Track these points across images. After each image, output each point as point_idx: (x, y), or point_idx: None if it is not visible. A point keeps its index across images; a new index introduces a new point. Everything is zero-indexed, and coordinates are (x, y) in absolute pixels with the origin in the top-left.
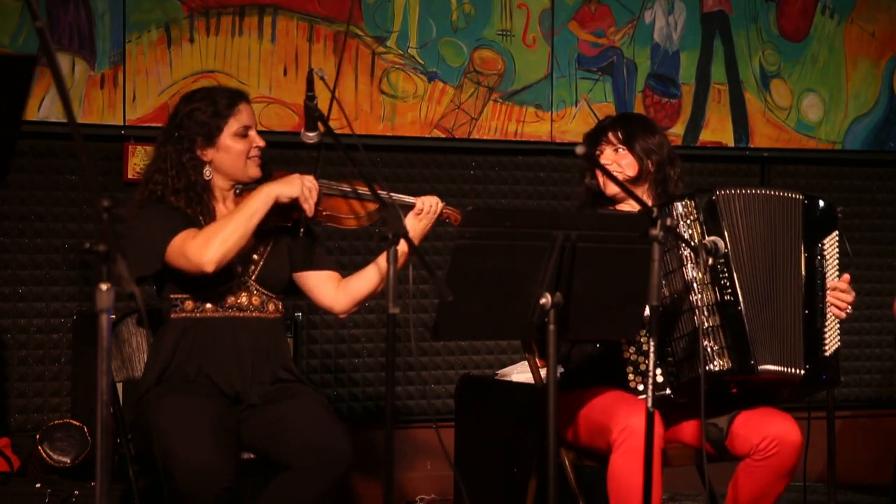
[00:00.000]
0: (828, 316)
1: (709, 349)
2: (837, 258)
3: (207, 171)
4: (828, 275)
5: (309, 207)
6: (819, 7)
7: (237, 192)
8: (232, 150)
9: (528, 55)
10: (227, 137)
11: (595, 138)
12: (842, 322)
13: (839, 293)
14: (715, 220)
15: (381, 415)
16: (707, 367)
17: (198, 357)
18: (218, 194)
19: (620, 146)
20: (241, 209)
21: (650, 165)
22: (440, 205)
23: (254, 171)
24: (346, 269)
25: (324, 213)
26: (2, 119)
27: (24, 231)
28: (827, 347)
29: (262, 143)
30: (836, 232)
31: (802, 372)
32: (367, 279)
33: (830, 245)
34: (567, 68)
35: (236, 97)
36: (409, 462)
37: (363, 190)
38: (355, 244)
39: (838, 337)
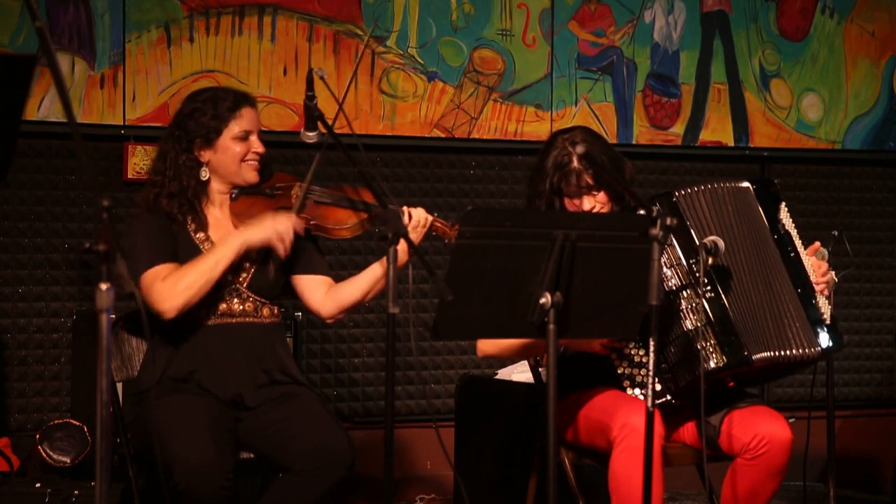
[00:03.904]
0: (815, 286)
1: (701, 349)
2: (794, 227)
3: (204, 173)
4: (798, 247)
5: (282, 250)
6: (819, 7)
7: (233, 196)
8: (228, 152)
9: (528, 55)
10: (226, 139)
11: (566, 181)
12: (842, 322)
13: (820, 277)
14: (680, 221)
15: (381, 415)
16: (704, 368)
17: (190, 363)
18: (214, 197)
19: (594, 189)
20: (207, 255)
21: (622, 190)
22: (429, 219)
23: (249, 175)
24: (347, 269)
25: (311, 223)
26: (2, 119)
27: (24, 231)
28: (825, 316)
29: (260, 150)
30: (783, 202)
31: (820, 349)
32: (356, 287)
33: (786, 217)
34: (567, 68)
35: (241, 100)
36: (409, 462)
37: (355, 197)
38: (355, 244)
39: (828, 302)
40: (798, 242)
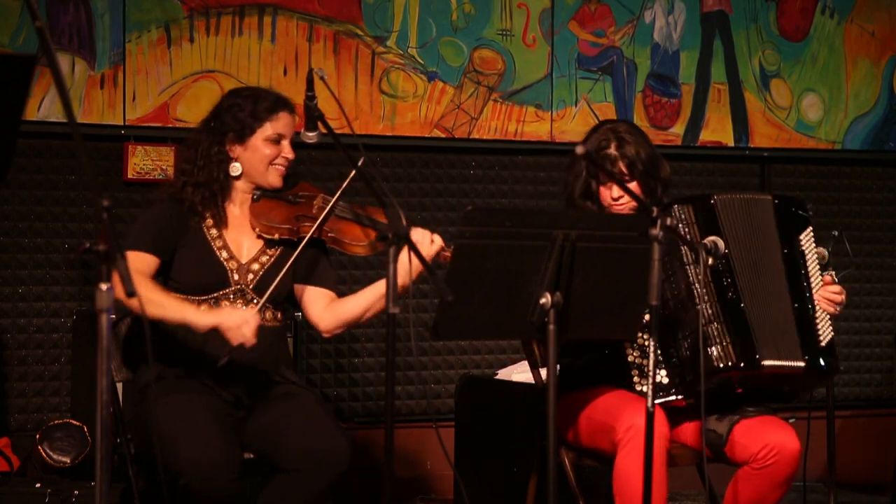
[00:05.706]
0: (818, 308)
1: (714, 348)
2: (816, 257)
3: (235, 168)
4: (810, 269)
5: (232, 339)
6: (819, 7)
7: (255, 197)
8: (258, 153)
9: (528, 55)
10: (258, 139)
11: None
12: (842, 322)
13: (828, 289)
14: (713, 223)
15: (381, 415)
16: (714, 365)
17: (192, 360)
18: (236, 196)
19: (626, 179)
20: (170, 304)
21: (655, 186)
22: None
23: (274, 179)
24: (348, 268)
25: (329, 235)
26: (2, 119)
27: (24, 231)
28: (822, 337)
29: (290, 156)
30: (810, 228)
31: (803, 364)
32: (357, 304)
33: (807, 241)
34: (567, 68)
35: (280, 104)
36: (409, 462)
37: (374, 216)
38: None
39: (831, 327)
40: (813, 267)
